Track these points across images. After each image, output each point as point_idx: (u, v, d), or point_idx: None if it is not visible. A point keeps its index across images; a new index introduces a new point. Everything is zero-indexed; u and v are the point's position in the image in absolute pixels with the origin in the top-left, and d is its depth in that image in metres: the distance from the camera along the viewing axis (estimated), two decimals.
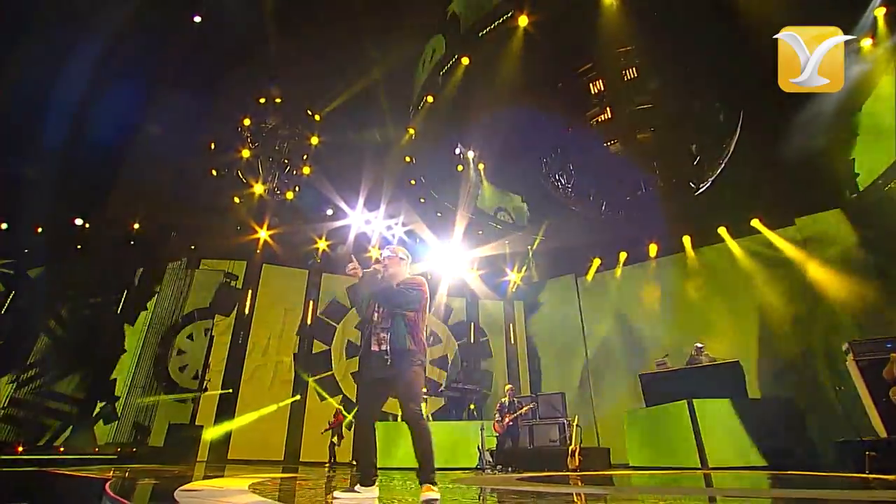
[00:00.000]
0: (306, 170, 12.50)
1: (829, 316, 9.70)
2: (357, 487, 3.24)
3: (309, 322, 13.96)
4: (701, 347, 9.17)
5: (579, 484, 5.55)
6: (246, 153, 11.87)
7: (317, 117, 12.46)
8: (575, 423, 8.94)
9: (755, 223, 11.71)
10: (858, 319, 9.12)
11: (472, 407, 12.82)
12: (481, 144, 13.98)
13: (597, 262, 14.72)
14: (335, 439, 11.70)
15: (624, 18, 8.12)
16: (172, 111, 10.46)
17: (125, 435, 12.41)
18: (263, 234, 13.16)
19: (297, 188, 12.79)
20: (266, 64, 11.61)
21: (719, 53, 8.15)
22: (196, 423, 11.98)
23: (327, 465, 11.35)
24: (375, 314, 3.42)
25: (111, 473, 5.47)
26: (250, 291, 13.39)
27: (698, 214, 11.59)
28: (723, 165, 9.87)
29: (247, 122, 11.62)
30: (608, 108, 9.62)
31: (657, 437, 8.78)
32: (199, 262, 13.51)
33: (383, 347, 3.29)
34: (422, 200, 14.80)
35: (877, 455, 6.70)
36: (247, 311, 13.20)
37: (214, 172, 12.08)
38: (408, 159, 12.91)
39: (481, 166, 15.13)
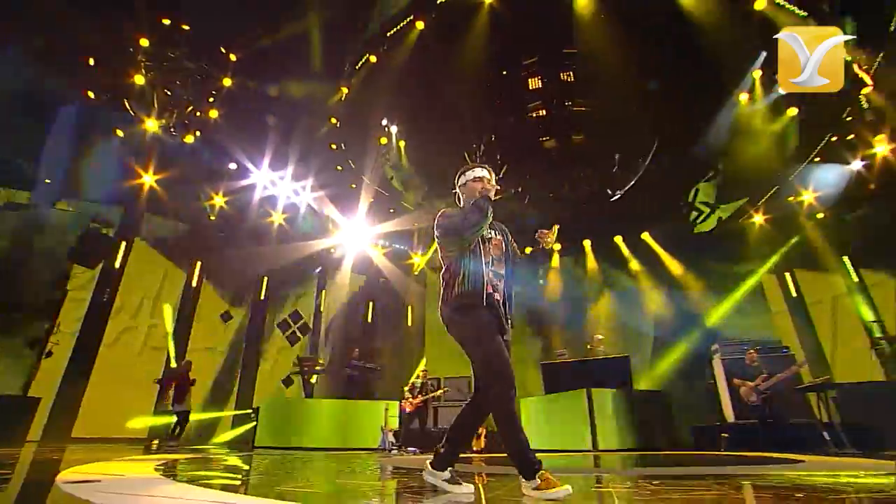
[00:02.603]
0: (212, 113, 10.90)
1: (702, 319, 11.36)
2: (532, 486, 2.21)
3: (194, 284, 12.34)
4: (600, 339, 10.02)
5: (483, 465, 5.65)
6: (138, 79, 9.94)
7: (232, 57, 10.91)
8: None
9: (645, 236, 13.20)
10: (725, 323, 10.82)
11: (366, 385, 12.57)
12: (408, 120, 13.57)
13: None
14: (173, 403, 8.99)
15: (576, 22, 8.41)
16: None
17: None
18: (149, 178, 11.21)
19: (197, 132, 11.10)
20: None
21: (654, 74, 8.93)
22: (29, 395, 9.85)
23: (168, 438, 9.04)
24: (493, 251, 2.59)
25: None
26: (124, 243, 11.37)
27: (602, 221, 12.68)
28: (635, 179, 10.88)
29: (144, 42, 9.70)
30: (545, 106, 9.92)
31: (554, 422, 9.41)
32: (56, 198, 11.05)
33: (497, 298, 2.48)
34: (338, 168, 13.92)
35: (728, 436, 8.03)
36: (117, 265, 11.20)
37: (92, 94, 9.91)
38: (333, 121, 11.96)
39: (402, 144, 14.73)
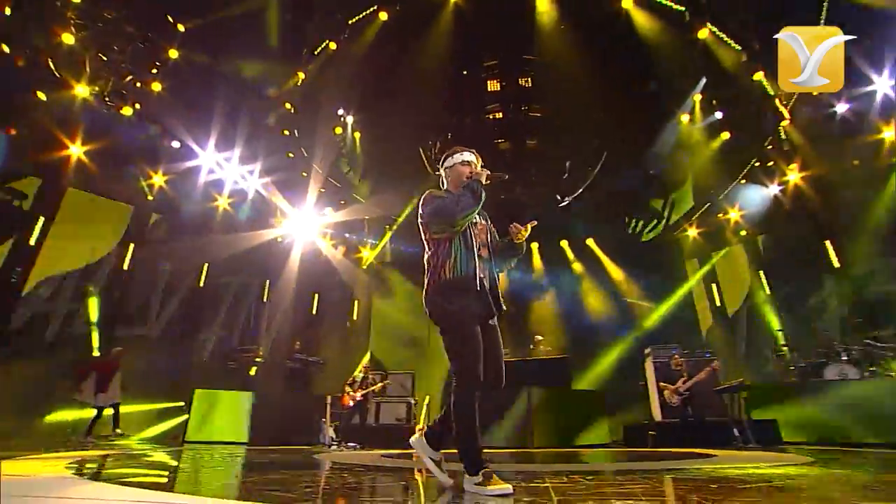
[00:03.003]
0: (155, 86, 10.17)
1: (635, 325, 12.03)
2: (475, 482, 2.22)
3: (126, 267, 11.47)
4: (540, 339, 10.36)
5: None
6: (67, 38, 9.07)
7: (180, 27, 10.22)
8: (424, 403, 9.24)
9: (589, 241, 13.81)
10: (659, 328, 11.54)
11: (307, 379, 12.30)
12: (365, 111, 13.35)
13: None
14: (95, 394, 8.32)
15: (537, 30, 8.64)
16: None
17: None
18: (76, 149, 10.26)
19: (136, 105, 10.30)
20: None
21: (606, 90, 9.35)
22: None
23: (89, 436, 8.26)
24: (480, 236, 2.55)
25: None
26: (42, 218, 10.36)
27: (550, 224, 13.11)
28: (584, 186, 11.36)
29: None
30: (503, 109, 10.11)
31: (494, 419, 9.62)
32: None
33: (486, 284, 2.44)
34: (289, 155, 13.45)
35: (654, 433, 8.59)
36: (33, 241, 10.19)
37: (6, 48, 8.92)
38: (288, 106, 11.52)
39: (357, 135, 14.48)
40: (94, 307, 11.01)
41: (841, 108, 9.86)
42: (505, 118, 10.16)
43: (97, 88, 9.66)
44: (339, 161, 14.71)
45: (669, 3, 8.48)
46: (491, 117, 10.18)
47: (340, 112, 13.79)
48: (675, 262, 13.86)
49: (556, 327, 12.62)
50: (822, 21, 8.19)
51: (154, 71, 10.13)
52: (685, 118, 12.18)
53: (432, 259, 2.48)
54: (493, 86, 10.24)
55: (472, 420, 2.28)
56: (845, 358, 8.36)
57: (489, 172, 2.57)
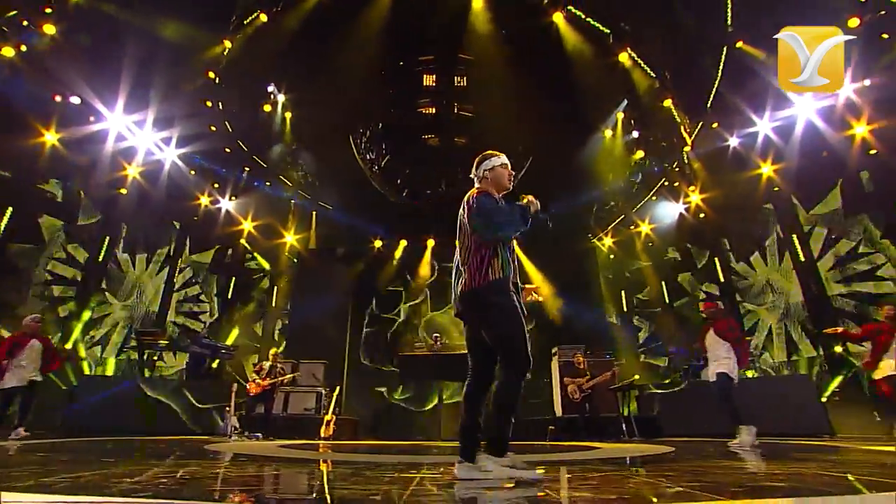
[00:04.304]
0: (48, 28, 9.02)
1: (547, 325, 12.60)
2: (492, 463, 2.30)
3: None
4: (438, 337, 10.53)
5: (329, 451, 5.68)
6: None
7: None
8: (335, 394, 9.11)
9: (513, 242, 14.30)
10: (568, 329, 12.21)
11: (213, 365, 11.68)
12: (296, 91, 12.82)
13: (378, 243, 15.30)
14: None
15: (473, 30, 8.78)
16: None
17: None
18: None
19: (22, 47, 9.07)
20: None
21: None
22: None
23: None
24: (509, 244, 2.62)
25: None
26: None
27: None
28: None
29: None
30: (436, 104, 10.16)
31: (403, 412, 9.73)
32: None
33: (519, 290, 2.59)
34: (212, 129, 12.60)
35: (553, 428, 9.12)
36: None
37: None
38: (211, 75, 10.75)
39: (288, 115, 13.90)
40: None
41: (733, 142, 11.06)
42: (437, 114, 10.23)
43: None
44: (267, 140, 14.05)
45: (596, 24, 9.04)
46: (423, 111, 10.20)
47: (271, 90, 13.16)
48: (589, 268, 14.74)
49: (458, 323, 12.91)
50: (721, 68, 9.18)
51: (49, 10, 8.96)
52: (609, 133, 13.02)
53: (474, 258, 2.48)
54: (428, 80, 10.26)
55: (518, 405, 2.35)
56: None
57: (537, 203, 2.64)
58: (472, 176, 2.80)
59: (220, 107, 11.97)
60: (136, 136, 11.27)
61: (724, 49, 9.53)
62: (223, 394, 9.02)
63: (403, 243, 14.93)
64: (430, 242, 14.42)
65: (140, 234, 13.21)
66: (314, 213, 15.99)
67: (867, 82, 8.59)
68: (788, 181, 10.75)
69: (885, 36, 7.97)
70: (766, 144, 10.70)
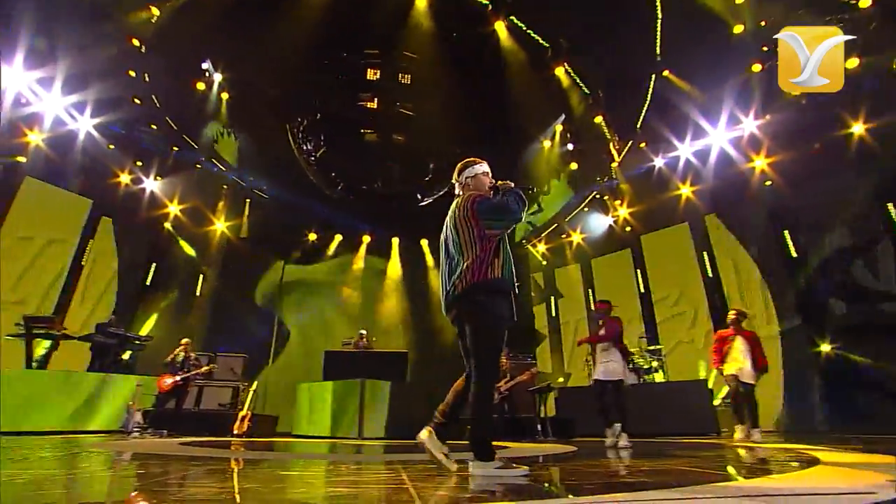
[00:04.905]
0: None
1: None
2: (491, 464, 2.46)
3: None
4: (363, 334, 10.48)
5: (240, 449, 5.49)
6: None
7: None
8: (252, 389, 8.76)
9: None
10: None
11: (124, 357, 10.85)
12: (233, 71, 12.21)
13: (312, 236, 14.93)
14: None
15: (421, 30, 8.78)
16: None
17: None
18: None
19: None
20: None
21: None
22: None
23: None
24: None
25: None
26: None
27: (412, 222, 13.42)
28: (444, 190, 11.81)
29: None
30: (377, 99, 10.06)
31: (324, 409, 9.52)
32: None
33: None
34: (136, 101, 11.69)
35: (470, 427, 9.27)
36: None
37: None
38: (136, 43, 9.97)
39: (225, 96, 13.23)
40: None
41: (658, 162, 11.87)
42: (378, 109, 10.12)
43: None
44: (199, 120, 13.28)
45: (536, 37, 9.36)
46: (364, 105, 10.05)
47: (206, 66, 12.44)
48: (522, 272, 15.19)
49: (403, 322, 12.96)
50: (650, 92, 9.85)
51: None
52: (547, 143, 13.52)
53: (478, 255, 2.56)
54: (371, 74, 10.12)
55: (491, 412, 2.59)
56: (630, 367, 10.00)
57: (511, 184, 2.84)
58: (453, 182, 2.95)
59: (147, 78, 11.16)
60: (42, 100, 10.21)
61: (653, 76, 10.20)
62: (129, 388, 8.40)
63: (338, 238, 14.65)
64: (366, 238, 14.27)
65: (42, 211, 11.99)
66: (248, 200, 15.31)
67: (768, 117, 9.55)
68: (703, 202, 11.69)
69: None
70: (686, 167, 11.58)
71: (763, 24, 9.05)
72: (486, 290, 2.52)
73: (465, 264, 2.55)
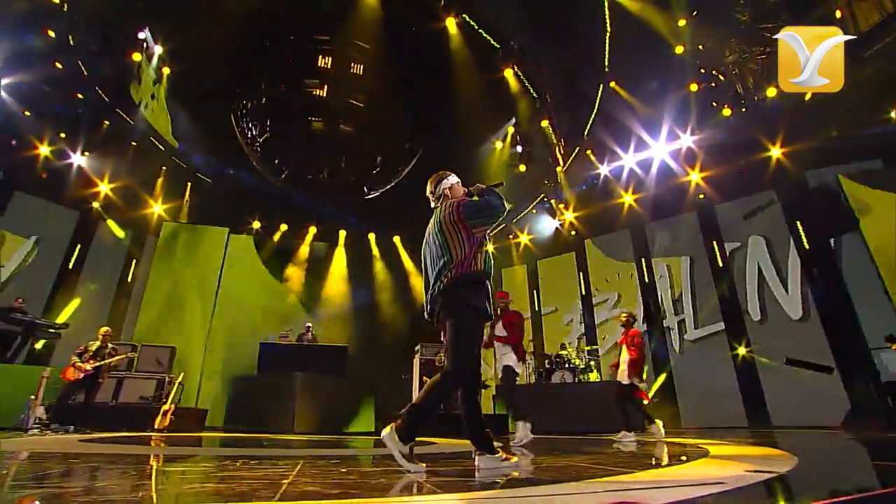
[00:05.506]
0: None
1: (416, 321, 12.80)
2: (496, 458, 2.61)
3: None
4: (309, 327, 10.25)
5: (159, 445, 5.19)
6: None
7: None
8: (178, 382, 8.31)
9: (396, 239, 14.41)
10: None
11: (37, 346, 10.05)
12: (174, 45, 11.50)
13: (256, 224, 14.40)
14: None
15: (369, 21, 8.59)
16: None
17: None
18: None
19: None
20: None
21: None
22: None
23: None
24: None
25: None
26: None
27: (359, 216, 13.21)
28: (391, 185, 11.70)
29: None
30: (326, 87, 9.78)
31: (258, 403, 9.20)
32: None
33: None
34: (58, 65, 10.72)
35: None
36: None
37: None
38: (57, 1, 9.13)
39: (167, 71, 12.45)
40: None
41: (603, 170, 12.29)
42: (327, 97, 9.84)
43: None
44: (135, 94, 12.42)
45: (488, 38, 9.43)
46: (312, 92, 9.74)
47: (143, 36, 11.64)
48: None
49: (344, 315, 12.75)
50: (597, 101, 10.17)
51: None
52: (499, 144, 13.65)
53: (460, 252, 2.70)
54: (322, 61, 9.82)
55: (438, 404, 2.68)
56: (567, 366, 10.29)
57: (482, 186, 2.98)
58: (428, 195, 3.07)
59: (71, 41, 10.28)
60: None
61: (601, 86, 10.53)
62: (33, 379, 7.71)
63: (284, 227, 14.18)
64: (312, 229, 13.89)
65: None
66: (189, 183, 14.51)
67: (702, 135, 10.14)
68: (645, 210, 12.22)
69: (715, 104, 9.57)
70: (630, 176, 12.06)
71: (701, 47, 9.57)
72: (469, 282, 2.69)
73: (454, 262, 2.72)
